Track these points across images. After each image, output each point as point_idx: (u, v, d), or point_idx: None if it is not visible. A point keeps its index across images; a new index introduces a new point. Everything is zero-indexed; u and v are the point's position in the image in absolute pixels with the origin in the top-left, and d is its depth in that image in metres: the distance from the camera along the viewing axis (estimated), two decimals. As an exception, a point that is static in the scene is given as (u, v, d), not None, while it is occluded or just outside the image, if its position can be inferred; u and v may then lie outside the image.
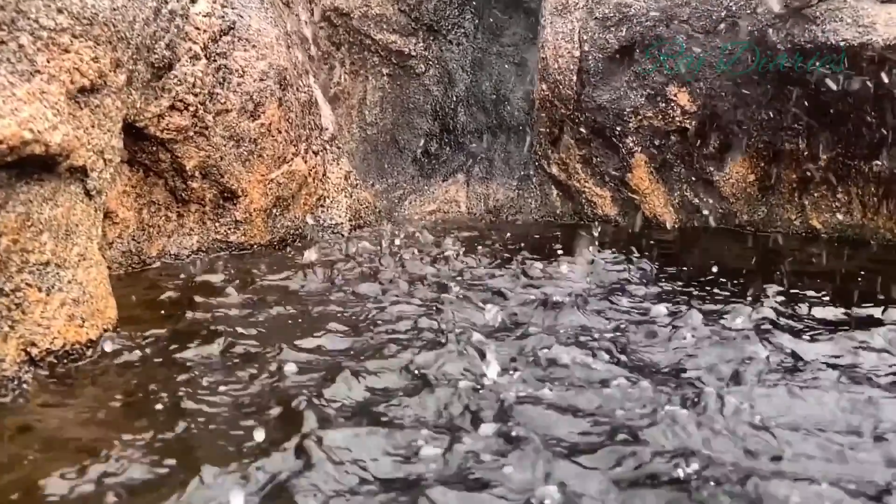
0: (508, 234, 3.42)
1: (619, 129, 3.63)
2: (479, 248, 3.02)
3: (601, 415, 1.43)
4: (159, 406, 1.43)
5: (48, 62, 1.65)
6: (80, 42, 1.76)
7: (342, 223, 3.49)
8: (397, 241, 2.94)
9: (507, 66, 4.47)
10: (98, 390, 1.54)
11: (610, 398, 1.49)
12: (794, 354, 1.73)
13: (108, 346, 1.70)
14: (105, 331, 1.78)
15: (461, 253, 2.80)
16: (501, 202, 4.15)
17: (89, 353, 1.68)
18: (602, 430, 1.36)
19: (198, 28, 2.65)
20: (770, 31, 3.19)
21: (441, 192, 4.28)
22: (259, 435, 1.29)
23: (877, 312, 2.05)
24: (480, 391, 1.48)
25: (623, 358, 1.74)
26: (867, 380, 1.60)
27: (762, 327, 1.90)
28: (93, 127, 1.87)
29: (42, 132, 1.59)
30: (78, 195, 1.83)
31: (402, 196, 4.32)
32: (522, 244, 3.11)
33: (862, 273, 2.59)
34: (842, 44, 2.96)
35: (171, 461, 1.23)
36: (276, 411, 1.40)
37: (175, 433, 1.33)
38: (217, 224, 2.87)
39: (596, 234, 2.96)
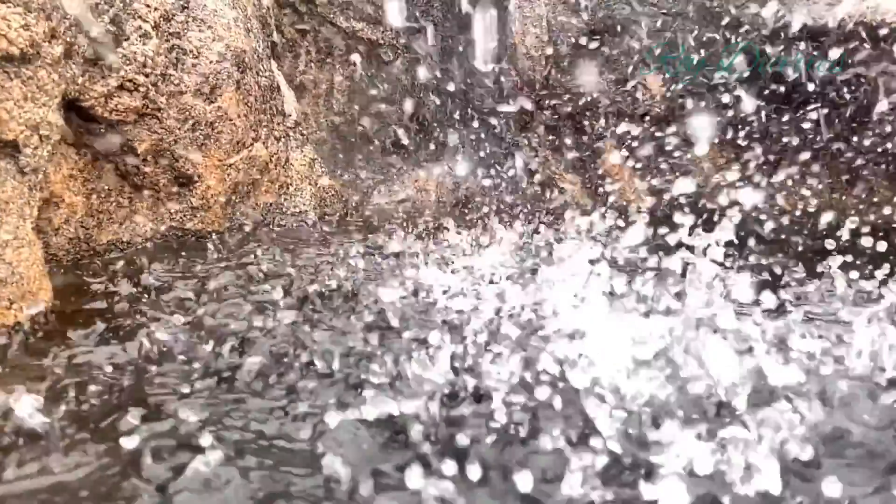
0: (470, 217, 3.34)
1: (588, 113, 3.57)
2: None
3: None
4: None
5: (-32, 26, 1.55)
6: (7, 8, 1.66)
7: (306, 211, 3.40)
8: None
9: (477, 53, 4.39)
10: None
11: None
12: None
13: (37, 331, 1.60)
14: (37, 313, 1.68)
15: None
16: (472, 190, 4.07)
17: (17, 336, 1.58)
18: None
19: (148, 6, 2.54)
20: (740, 12, 3.15)
21: (411, 182, 4.19)
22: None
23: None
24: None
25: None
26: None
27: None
28: (25, 100, 1.77)
29: (-40, 99, 1.49)
30: (9, 171, 1.73)
31: (372, 186, 4.23)
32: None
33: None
34: (810, 24, 2.92)
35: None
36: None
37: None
38: (172, 211, 2.76)
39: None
